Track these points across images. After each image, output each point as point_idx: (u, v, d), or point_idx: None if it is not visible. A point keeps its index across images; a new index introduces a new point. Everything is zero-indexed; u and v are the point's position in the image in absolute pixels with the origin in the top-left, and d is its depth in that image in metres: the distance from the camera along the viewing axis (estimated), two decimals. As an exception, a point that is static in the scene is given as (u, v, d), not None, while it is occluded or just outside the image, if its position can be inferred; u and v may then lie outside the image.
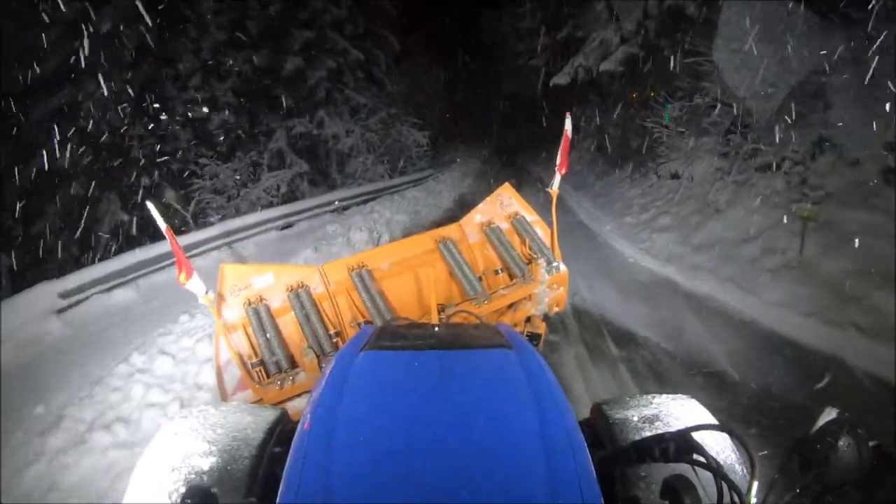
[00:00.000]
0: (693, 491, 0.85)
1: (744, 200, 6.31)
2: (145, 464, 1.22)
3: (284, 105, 12.33)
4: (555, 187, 3.07)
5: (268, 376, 2.30)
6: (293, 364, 2.37)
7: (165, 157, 10.49)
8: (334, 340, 2.43)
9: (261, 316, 2.42)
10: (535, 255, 2.99)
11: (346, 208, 10.05)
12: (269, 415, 1.42)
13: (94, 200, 9.24)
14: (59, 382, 3.89)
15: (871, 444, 0.85)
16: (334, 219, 9.02)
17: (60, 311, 4.77)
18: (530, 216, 3.23)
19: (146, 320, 4.96)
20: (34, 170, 8.52)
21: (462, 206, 10.02)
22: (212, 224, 8.65)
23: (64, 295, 4.81)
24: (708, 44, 7.18)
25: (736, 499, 0.87)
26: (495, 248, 3.11)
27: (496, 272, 3.10)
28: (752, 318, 4.84)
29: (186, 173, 10.84)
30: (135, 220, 9.29)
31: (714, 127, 7.50)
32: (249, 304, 2.45)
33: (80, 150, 8.99)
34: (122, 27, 9.18)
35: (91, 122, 9.08)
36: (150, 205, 2.12)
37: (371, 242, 7.13)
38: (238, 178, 11.35)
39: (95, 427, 3.10)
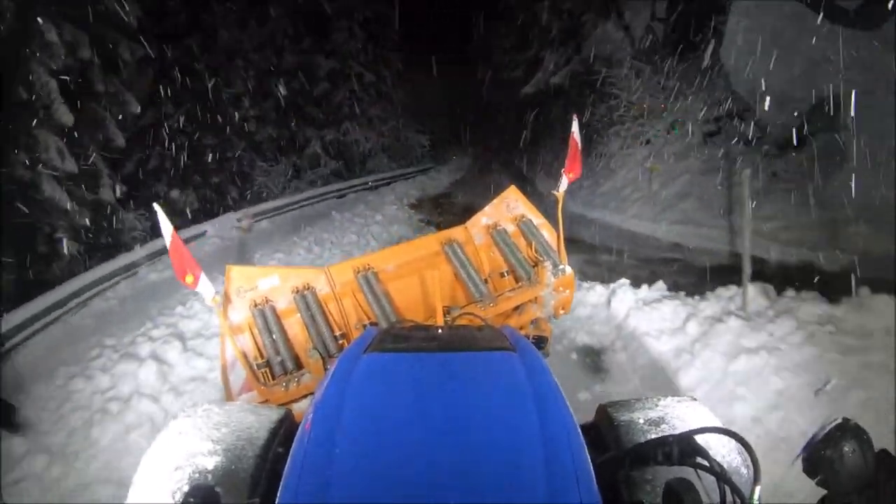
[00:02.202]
0: (694, 494, 0.85)
1: (627, 164, 10.08)
2: (149, 462, 1.23)
3: (317, 119, 16.23)
4: (561, 190, 3.06)
5: (273, 378, 2.33)
6: (299, 365, 2.41)
7: (228, 160, 14.14)
8: (340, 342, 2.45)
9: (267, 317, 2.43)
10: (541, 258, 3.00)
11: (376, 187, 14.03)
12: (273, 414, 1.45)
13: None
14: (257, 251, 7.75)
15: (876, 450, 0.85)
16: (370, 193, 13.03)
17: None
18: (537, 219, 3.23)
19: (289, 232, 9.05)
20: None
21: (455, 186, 13.88)
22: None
23: (238, 219, 8.98)
24: (605, 62, 11.00)
25: (739, 502, 0.87)
26: (501, 251, 3.09)
27: (502, 275, 3.09)
28: (615, 223, 8.61)
29: (245, 173, 14.60)
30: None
31: (620, 119, 11.23)
32: (255, 305, 2.45)
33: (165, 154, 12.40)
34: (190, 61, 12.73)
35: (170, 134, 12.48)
36: (157, 207, 2.12)
37: (398, 201, 11.01)
38: (287, 175, 15.16)
39: (297, 253, 7.06)
